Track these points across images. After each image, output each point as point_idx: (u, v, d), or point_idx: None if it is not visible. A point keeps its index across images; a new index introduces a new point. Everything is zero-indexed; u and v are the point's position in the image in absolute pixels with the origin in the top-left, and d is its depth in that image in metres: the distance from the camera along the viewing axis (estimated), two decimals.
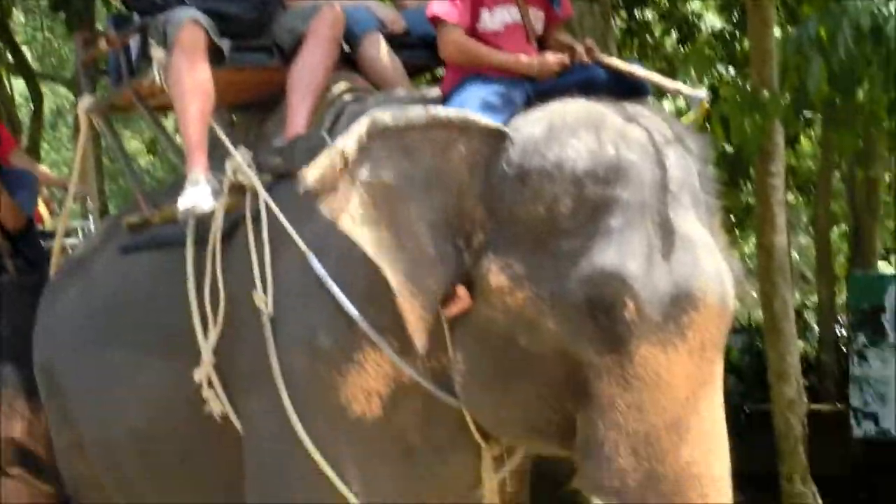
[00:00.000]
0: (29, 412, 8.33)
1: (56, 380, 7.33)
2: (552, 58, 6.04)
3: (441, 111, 5.73)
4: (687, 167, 5.70)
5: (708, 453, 5.49)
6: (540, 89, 5.97)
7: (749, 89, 9.82)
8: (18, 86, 19.08)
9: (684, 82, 7.21)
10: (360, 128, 5.63)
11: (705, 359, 5.49)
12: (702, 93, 6.44)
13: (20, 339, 8.09)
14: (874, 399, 17.56)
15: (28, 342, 7.91)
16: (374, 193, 5.60)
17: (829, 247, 21.55)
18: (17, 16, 18.11)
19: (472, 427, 6.04)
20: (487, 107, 5.83)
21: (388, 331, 5.85)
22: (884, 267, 22.51)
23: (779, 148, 10.47)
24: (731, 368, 18.03)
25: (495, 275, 5.60)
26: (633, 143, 5.61)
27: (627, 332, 5.39)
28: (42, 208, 9.38)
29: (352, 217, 5.62)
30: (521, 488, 6.57)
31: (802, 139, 19.95)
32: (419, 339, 5.68)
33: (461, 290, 5.68)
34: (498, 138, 5.66)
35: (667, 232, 5.49)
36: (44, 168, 11.66)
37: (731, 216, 18.47)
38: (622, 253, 5.41)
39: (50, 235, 9.15)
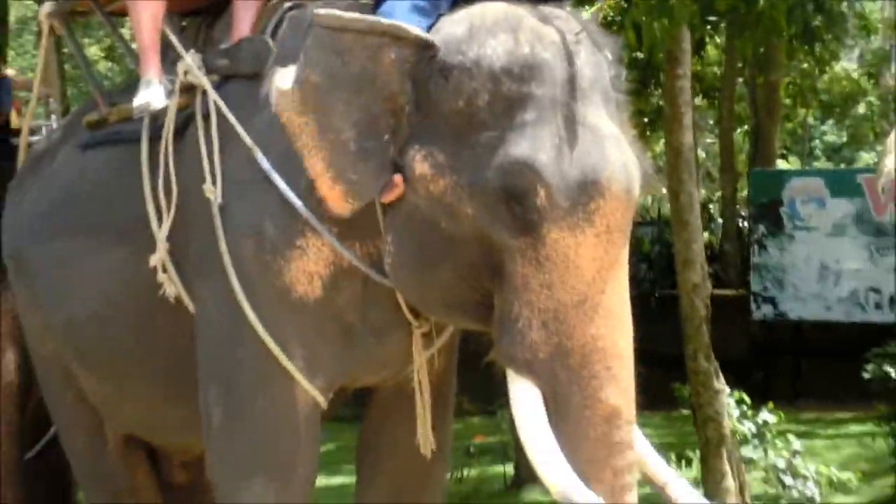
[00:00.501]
0: None
1: (24, 267, 7.29)
2: None
3: (378, 20, 5.68)
4: (598, 66, 5.69)
5: (613, 329, 5.48)
6: None
7: None
8: None
9: None
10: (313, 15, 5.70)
11: (611, 242, 5.48)
12: None
13: None
14: (773, 285, 17.68)
15: None
16: (305, 90, 5.61)
17: (731, 146, 21.65)
18: None
19: (404, 306, 6.01)
20: (417, 10, 5.82)
21: (328, 219, 5.81)
22: (782, 164, 22.56)
23: (686, 54, 10.42)
24: (642, 258, 18.18)
25: (419, 163, 5.59)
26: (547, 43, 5.58)
27: (539, 217, 5.40)
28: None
29: (287, 112, 5.67)
30: (448, 364, 6.57)
31: (708, 46, 19.94)
32: (339, 211, 5.72)
33: (398, 178, 5.64)
34: (426, 46, 5.63)
35: (576, 125, 5.48)
36: (11, 72, 11.62)
37: (643, 118, 18.46)
38: (534, 145, 5.40)
39: (16, 134, 9.09)
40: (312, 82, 5.61)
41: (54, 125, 8.99)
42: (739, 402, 10.61)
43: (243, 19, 6.38)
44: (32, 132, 9.08)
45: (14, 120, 9.25)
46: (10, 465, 8.16)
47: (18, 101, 9.28)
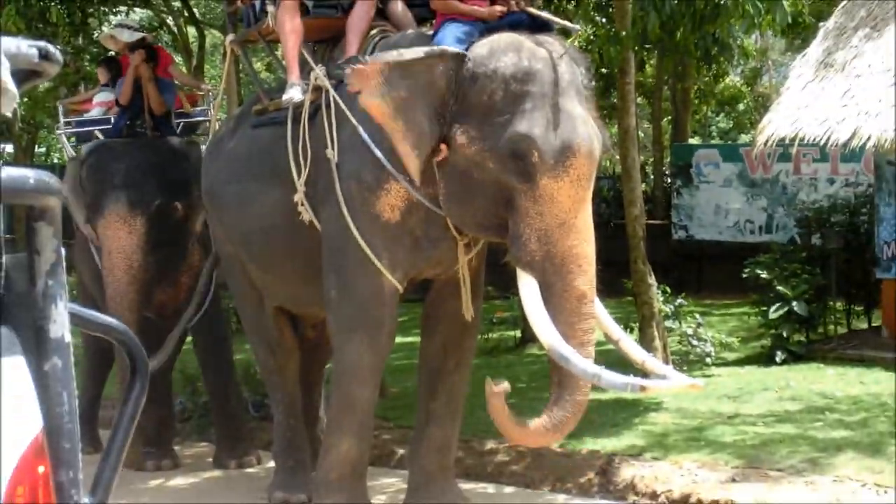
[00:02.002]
0: None
1: (215, 199, 7.35)
2: (497, 8, 6.08)
3: (429, 49, 5.84)
4: (573, 72, 5.85)
5: (583, 241, 5.66)
6: (489, 27, 6.01)
7: (613, 31, 9.72)
8: (191, 31, 18.91)
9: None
10: (388, 56, 5.79)
11: (581, 186, 5.66)
12: (577, 27, 6.99)
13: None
14: (685, 217, 17.63)
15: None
16: (394, 99, 5.73)
17: (660, 128, 21.53)
18: None
19: (451, 226, 6.09)
20: (458, 39, 5.94)
21: (403, 171, 5.89)
22: (692, 141, 22.40)
23: (631, 68, 10.37)
24: (602, 199, 18.06)
25: (459, 136, 5.77)
26: (539, 58, 5.77)
27: (534, 170, 5.61)
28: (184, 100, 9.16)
29: (379, 110, 5.77)
30: (480, 264, 6.61)
31: (646, 63, 19.80)
32: (416, 176, 5.81)
33: (443, 147, 5.77)
34: (462, 59, 5.78)
35: (559, 111, 5.68)
36: (187, 76, 11.50)
37: (603, 109, 18.41)
38: (531, 124, 5.62)
39: (184, 115, 9.03)
40: (400, 97, 5.72)
41: (213, 112, 8.93)
42: (664, 292, 10.59)
43: (352, 44, 6.43)
44: (205, 114, 9.13)
45: (186, 106, 9.10)
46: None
47: (180, 94, 9.09)
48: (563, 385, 5.65)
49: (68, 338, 1.80)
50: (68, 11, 10.93)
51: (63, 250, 1.82)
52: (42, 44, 1.73)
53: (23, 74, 1.71)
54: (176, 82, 9.10)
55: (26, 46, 1.71)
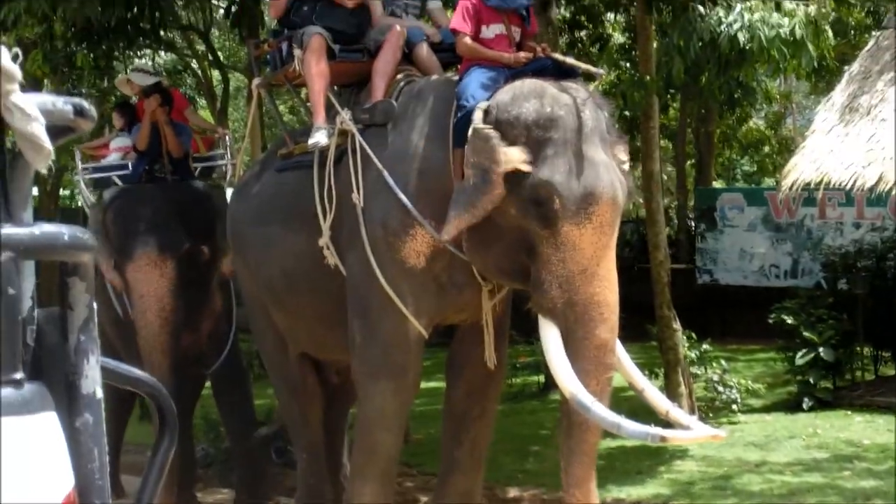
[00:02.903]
0: None
1: (240, 242, 7.35)
2: (522, 54, 6.09)
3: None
4: (597, 118, 5.82)
5: (605, 288, 5.62)
6: (515, 72, 6.01)
7: (637, 76, 9.73)
8: (215, 74, 19.02)
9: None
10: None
11: (603, 233, 5.62)
12: (601, 72, 6.90)
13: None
14: (709, 262, 17.55)
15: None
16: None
17: (684, 172, 21.48)
18: (213, 31, 18.03)
19: (476, 272, 6.09)
20: (483, 86, 5.95)
21: (429, 217, 5.90)
22: (715, 184, 22.37)
23: (655, 112, 10.39)
24: (625, 243, 18.03)
25: None
26: (562, 105, 5.74)
27: (556, 216, 5.57)
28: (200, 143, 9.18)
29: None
30: (504, 310, 6.60)
31: (669, 108, 19.83)
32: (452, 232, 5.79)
33: None
34: (486, 111, 5.76)
35: (581, 157, 5.64)
36: (205, 119, 11.55)
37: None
38: (552, 170, 5.58)
39: (201, 160, 9.05)
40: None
41: (231, 155, 8.98)
42: (689, 337, 10.57)
43: (378, 88, 6.45)
44: (222, 157, 9.13)
45: (202, 149, 9.11)
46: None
47: (196, 138, 9.11)
48: (572, 434, 5.66)
49: (100, 394, 1.80)
50: (94, 56, 10.98)
51: (95, 305, 1.82)
52: (77, 101, 1.74)
53: (57, 130, 1.72)
54: (192, 126, 9.13)
55: (61, 103, 1.71)
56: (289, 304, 6.99)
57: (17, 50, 1.60)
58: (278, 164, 7.09)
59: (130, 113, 9.12)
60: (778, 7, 8.38)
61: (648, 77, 9.43)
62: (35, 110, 1.63)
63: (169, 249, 8.12)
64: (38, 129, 1.61)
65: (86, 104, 1.74)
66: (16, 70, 1.60)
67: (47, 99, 1.68)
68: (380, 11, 6.87)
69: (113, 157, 9.03)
